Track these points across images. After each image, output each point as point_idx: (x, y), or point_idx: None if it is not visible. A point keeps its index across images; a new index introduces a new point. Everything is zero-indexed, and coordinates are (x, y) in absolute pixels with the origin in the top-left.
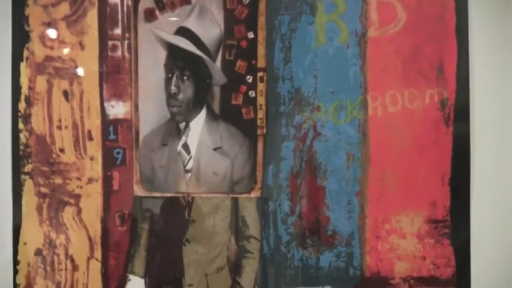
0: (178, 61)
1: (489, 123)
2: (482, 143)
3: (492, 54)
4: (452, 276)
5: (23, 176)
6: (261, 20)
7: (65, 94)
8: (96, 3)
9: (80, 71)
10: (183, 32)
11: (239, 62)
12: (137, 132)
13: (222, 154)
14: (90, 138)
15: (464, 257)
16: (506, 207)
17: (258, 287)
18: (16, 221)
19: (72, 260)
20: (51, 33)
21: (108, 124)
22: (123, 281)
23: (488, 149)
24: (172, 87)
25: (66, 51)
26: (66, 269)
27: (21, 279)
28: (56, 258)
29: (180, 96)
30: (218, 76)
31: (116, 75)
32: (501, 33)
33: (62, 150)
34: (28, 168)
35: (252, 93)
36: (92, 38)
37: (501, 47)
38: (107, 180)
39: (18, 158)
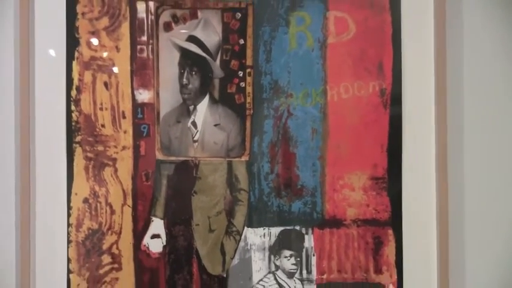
0: (188, 60)
1: (416, 106)
2: (410, 121)
3: (418, 55)
4: (389, 219)
5: (74, 145)
6: (249, 31)
7: (105, 84)
8: (128, 18)
9: (116, 68)
10: (192, 39)
11: (233, 61)
12: (158, 113)
13: (220, 129)
14: (124, 117)
15: (397, 204)
16: (427, 168)
17: (247, 226)
18: (69, 178)
19: (111, 206)
20: (95, 39)
21: (137, 106)
22: (148, 221)
23: (414, 126)
24: (184, 80)
25: (105, 53)
26: (106, 213)
27: (73, 220)
28: (98, 205)
29: (190, 86)
30: (217, 71)
31: (142, 71)
32: (424, 40)
33: (103, 126)
34: (78, 138)
35: (242, 84)
36: (125, 43)
37: (424, 51)
38: (136, 148)
39: (71, 131)
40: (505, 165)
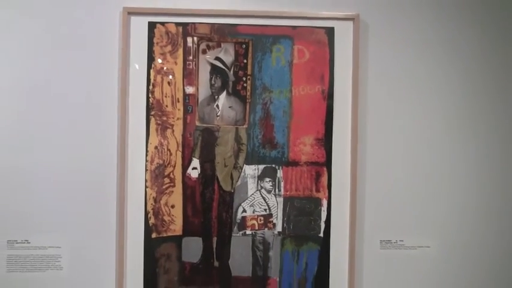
0: (215, 71)
1: (341, 100)
2: (338, 108)
3: (343, 71)
4: (324, 162)
5: (150, 116)
6: (249, 55)
7: (168, 83)
8: (182, 46)
9: (175, 73)
10: (217, 59)
11: (240, 72)
12: (197, 99)
13: (233, 109)
14: (178, 101)
15: (329, 153)
16: (346, 134)
17: (245, 164)
18: (147, 134)
19: (169, 151)
20: (163, 58)
21: (186, 96)
22: (190, 160)
23: (340, 110)
24: (212, 81)
25: (169, 65)
26: (167, 154)
27: (148, 158)
28: (162, 150)
29: (215, 85)
30: (231, 77)
31: (189, 76)
32: (346, 63)
33: (166, 106)
34: (152, 113)
35: (245, 85)
36: (180, 60)
37: (346, 68)
38: (184, 119)
39: (148, 109)
40: (396, 123)
